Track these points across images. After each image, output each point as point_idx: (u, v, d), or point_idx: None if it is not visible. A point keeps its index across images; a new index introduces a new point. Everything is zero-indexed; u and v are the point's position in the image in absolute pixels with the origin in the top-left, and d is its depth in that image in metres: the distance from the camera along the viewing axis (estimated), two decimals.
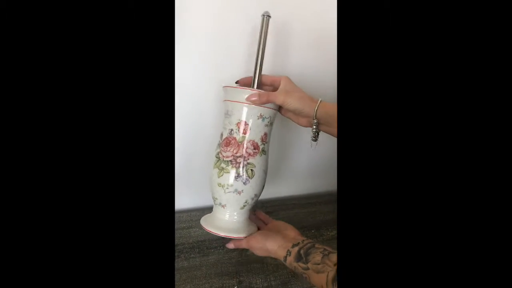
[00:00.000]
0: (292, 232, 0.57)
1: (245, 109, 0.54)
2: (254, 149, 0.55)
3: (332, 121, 0.55)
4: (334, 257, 0.47)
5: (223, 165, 0.55)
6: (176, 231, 0.72)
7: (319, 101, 0.55)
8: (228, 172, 0.54)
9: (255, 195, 0.57)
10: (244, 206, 0.57)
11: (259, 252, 0.56)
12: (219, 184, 0.55)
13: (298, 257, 0.50)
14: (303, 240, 0.53)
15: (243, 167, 0.54)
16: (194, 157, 0.76)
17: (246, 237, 0.56)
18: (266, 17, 0.56)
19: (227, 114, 0.56)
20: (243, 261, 0.64)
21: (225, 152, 0.55)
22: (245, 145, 0.54)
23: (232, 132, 0.55)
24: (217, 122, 0.71)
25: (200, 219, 0.60)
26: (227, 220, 0.57)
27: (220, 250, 0.66)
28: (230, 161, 0.54)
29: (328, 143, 0.84)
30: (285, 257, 0.52)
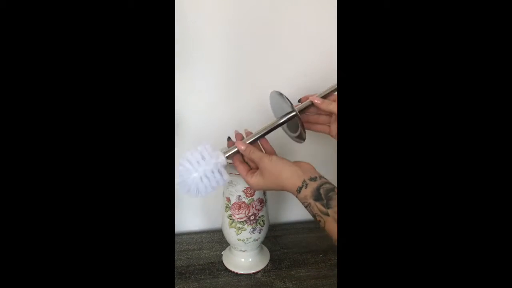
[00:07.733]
0: (306, 164, 0.49)
1: None
2: (260, 203, 0.65)
3: None
4: None
5: (239, 225, 0.64)
6: (187, 253, 0.73)
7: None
8: (246, 230, 0.64)
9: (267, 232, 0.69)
10: (260, 244, 0.70)
11: (265, 181, 0.49)
12: (239, 239, 0.65)
13: (317, 196, 0.44)
14: (321, 177, 0.47)
15: (256, 222, 0.65)
16: None
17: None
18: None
19: (231, 184, 0.62)
20: (252, 283, 0.65)
21: (238, 214, 0.64)
22: (253, 205, 0.64)
23: (240, 197, 0.63)
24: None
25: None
26: (247, 260, 0.69)
27: (230, 272, 0.67)
28: (245, 220, 0.64)
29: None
30: (300, 188, 0.45)
